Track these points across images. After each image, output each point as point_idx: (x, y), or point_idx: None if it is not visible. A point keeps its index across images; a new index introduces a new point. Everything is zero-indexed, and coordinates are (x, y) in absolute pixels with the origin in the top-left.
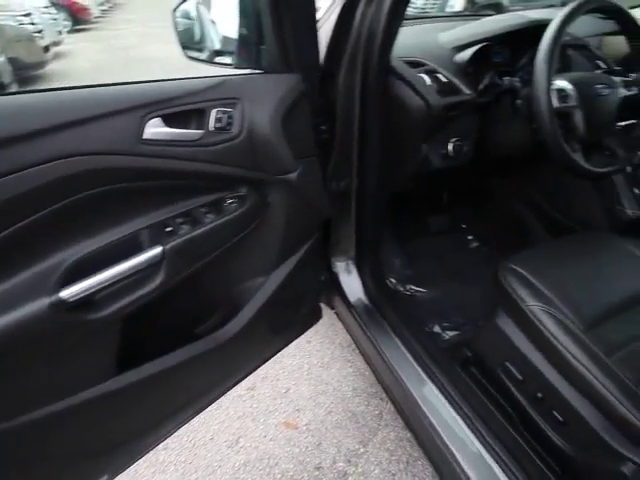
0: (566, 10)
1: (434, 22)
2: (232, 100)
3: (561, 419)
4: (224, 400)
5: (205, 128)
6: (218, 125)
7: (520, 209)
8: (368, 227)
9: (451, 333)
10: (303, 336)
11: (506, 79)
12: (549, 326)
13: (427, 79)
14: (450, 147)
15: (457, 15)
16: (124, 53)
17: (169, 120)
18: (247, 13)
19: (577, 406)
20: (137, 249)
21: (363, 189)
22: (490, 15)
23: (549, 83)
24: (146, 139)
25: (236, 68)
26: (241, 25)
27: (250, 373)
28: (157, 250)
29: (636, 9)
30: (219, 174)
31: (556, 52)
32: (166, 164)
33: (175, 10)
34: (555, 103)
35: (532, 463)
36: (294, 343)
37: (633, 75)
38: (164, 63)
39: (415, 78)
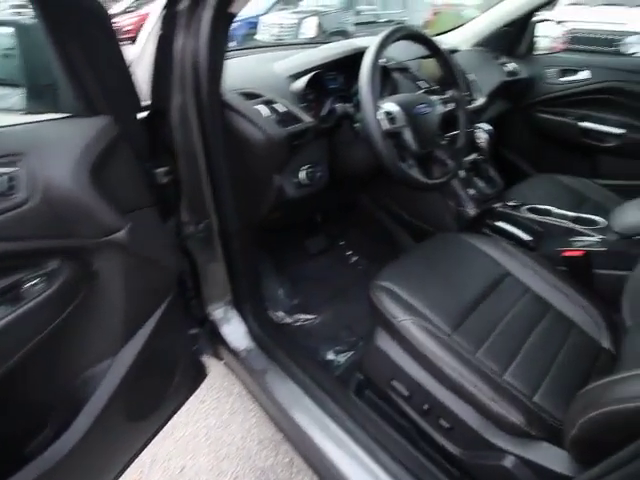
0: (378, 40)
1: (273, 51)
2: (11, 157)
3: (448, 426)
4: None
5: None
6: None
7: (384, 220)
8: (240, 266)
9: (346, 356)
10: (195, 397)
11: (339, 105)
12: (420, 338)
13: (264, 110)
14: (303, 175)
15: (296, 44)
16: None
17: None
18: (34, 49)
19: (457, 410)
20: None
21: (225, 228)
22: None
23: (375, 107)
24: None
25: (28, 113)
26: (27, 61)
27: (121, 474)
28: None
29: (442, 35)
30: (4, 253)
31: (376, 78)
32: None
33: None
34: (386, 125)
35: (432, 476)
36: (184, 410)
37: (449, 92)
38: None
39: (251, 110)
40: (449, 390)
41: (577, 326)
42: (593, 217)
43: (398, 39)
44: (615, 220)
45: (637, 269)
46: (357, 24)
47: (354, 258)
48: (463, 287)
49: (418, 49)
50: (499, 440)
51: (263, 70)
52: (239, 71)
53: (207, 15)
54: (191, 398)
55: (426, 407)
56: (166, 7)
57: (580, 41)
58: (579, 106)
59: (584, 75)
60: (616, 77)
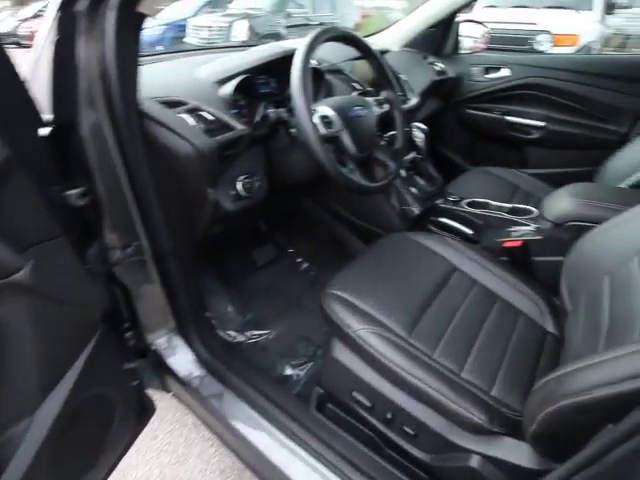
0: (306, 41)
1: (203, 54)
2: None
3: (412, 432)
4: None
5: None
6: None
7: (332, 224)
8: (180, 288)
9: (305, 368)
10: (145, 434)
11: (272, 111)
12: (377, 346)
13: (190, 119)
14: (239, 186)
15: (227, 47)
16: None
17: None
18: None
19: (420, 416)
20: None
21: (159, 249)
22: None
23: (310, 112)
24: None
25: None
26: None
27: None
28: None
29: (371, 37)
30: None
31: (308, 80)
32: None
33: None
34: (322, 130)
35: None
36: (133, 450)
37: (383, 94)
38: None
39: (175, 120)
40: (411, 396)
41: (523, 313)
42: (527, 207)
43: (327, 40)
44: (546, 209)
45: (570, 254)
46: (289, 27)
47: (304, 265)
48: (414, 287)
49: (351, 51)
50: (463, 441)
51: (187, 76)
52: (159, 77)
53: (111, 17)
54: (141, 436)
55: (389, 416)
56: (61, 8)
57: (498, 40)
58: (503, 101)
59: (505, 72)
60: (533, 73)
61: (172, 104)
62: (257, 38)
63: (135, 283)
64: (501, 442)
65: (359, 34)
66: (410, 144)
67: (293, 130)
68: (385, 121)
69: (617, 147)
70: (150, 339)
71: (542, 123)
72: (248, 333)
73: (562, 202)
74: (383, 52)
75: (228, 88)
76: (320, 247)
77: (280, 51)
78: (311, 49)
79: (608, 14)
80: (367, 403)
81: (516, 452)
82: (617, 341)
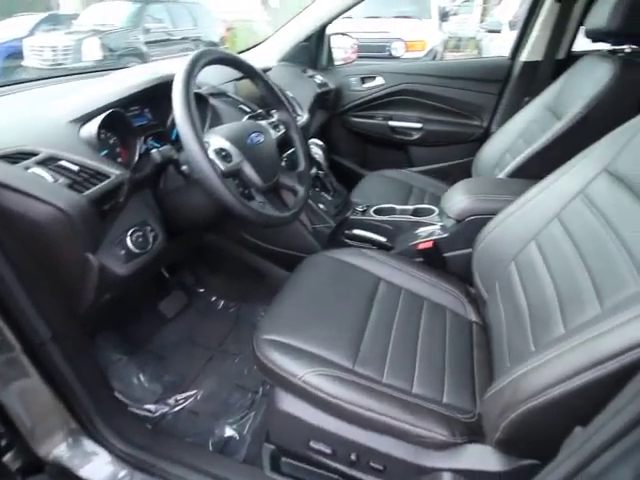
0: (184, 67)
1: (43, 86)
2: None
3: (380, 467)
4: None
5: None
6: None
7: (245, 254)
8: (71, 377)
9: (247, 422)
10: None
11: (156, 151)
12: (327, 388)
13: (46, 174)
14: (130, 243)
15: (84, 72)
16: None
17: None
18: None
19: (384, 448)
20: None
21: (31, 341)
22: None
23: (203, 148)
24: None
25: None
26: None
27: None
28: None
29: (246, 52)
30: None
31: (194, 112)
32: None
33: None
34: (221, 165)
35: None
36: None
37: (276, 115)
38: None
39: (24, 178)
40: (371, 431)
41: (448, 309)
42: (429, 206)
43: (207, 64)
44: (447, 208)
45: (476, 246)
46: (149, 43)
47: (221, 303)
48: (346, 309)
49: (230, 71)
50: (431, 461)
51: (34, 115)
52: None
53: None
54: None
55: (354, 457)
56: None
57: (363, 49)
58: (383, 107)
59: (380, 81)
60: (404, 80)
61: (17, 157)
62: (114, 57)
63: (6, 388)
64: (466, 452)
65: (238, 54)
66: (310, 161)
67: (184, 167)
68: (283, 143)
69: (483, 139)
70: (44, 451)
71: (419, 125)
72: (171, 400)
73: (459, 200)
74: (265, 70)
75: (92, 127)
76: (235, 280)
77: (153, 79)
78: (191, 75)
79: (443, 21)
80: (327, 450)
81: (483, 459)
82: (543, 328)
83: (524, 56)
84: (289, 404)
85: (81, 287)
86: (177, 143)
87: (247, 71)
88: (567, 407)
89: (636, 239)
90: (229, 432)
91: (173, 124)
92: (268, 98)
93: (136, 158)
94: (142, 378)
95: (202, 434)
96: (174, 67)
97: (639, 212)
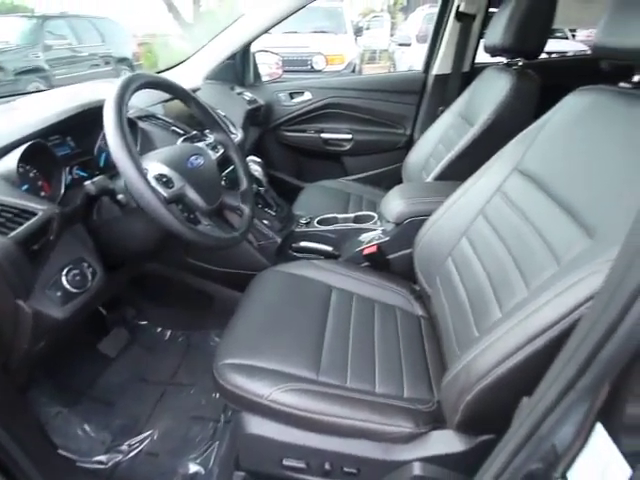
0: (114, 94)
1: None
2: None
3: (354, 470)
4: None
5: None
6: None
7: (190, 279)
8: (5, 441)
9: (211, 454)
10: None
11: (88, 184)
12: (295, 403)
13: None
14: (66, 282)
15: None
16: None
17: None
18: None
19: (355, 451)
20: None
21: None
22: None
23: (144, 176)
24: None
25: None
26: None
27: None
28: None
29: (169, 71)
30: None
31: (129, 140)
32: None
33: None
34: (163, 192)
35: None
36: None
37: (211, 136)
38: None
39: None
40: (341, 437)
41: (398, 308)
42: (368, 213)
43: (138, 89)
44: (385, 213)
45: (416, 246)
46: (51, 60)
47: (168, 333)
48: (303, 321)
49: (157, 92)
50: (402, 454)
51: None
52: None
53: None
54: None
55: (328, 466)
56: None
57: (287, 64)
58: (314, 121)
59: (308, 96)
60: (331, 94)
61: None
62: (13, 75)
63: None
64: (431, 439)
65: (164, 75)
66: (251, 179)
67: (121, 196)
68: (221, 163)
69: (409, 146)
70: None
71: (349, 135)
72: (124, 447)
73: (396, 205)
74: (194, 90)
75: (10, 162)
76: (181, 308)
77: (76, 106)
78: (122, 101)
79: (358, 36)
80: (301, 465)
81: (446, 442)
82: (483, 315)
83: (435, 70)
84: (258, 426)
85: (13, 338)
86: (108, 170)
87: (179, 94)
88: (513, 381)
89: (547, 227)
90: (194, 468)
91: (100, 151)
92: (203, 119)
93: (62, 190)
94: (87, 428)
95: (165, 475)
96: (96, 92)
97: (547, 203)
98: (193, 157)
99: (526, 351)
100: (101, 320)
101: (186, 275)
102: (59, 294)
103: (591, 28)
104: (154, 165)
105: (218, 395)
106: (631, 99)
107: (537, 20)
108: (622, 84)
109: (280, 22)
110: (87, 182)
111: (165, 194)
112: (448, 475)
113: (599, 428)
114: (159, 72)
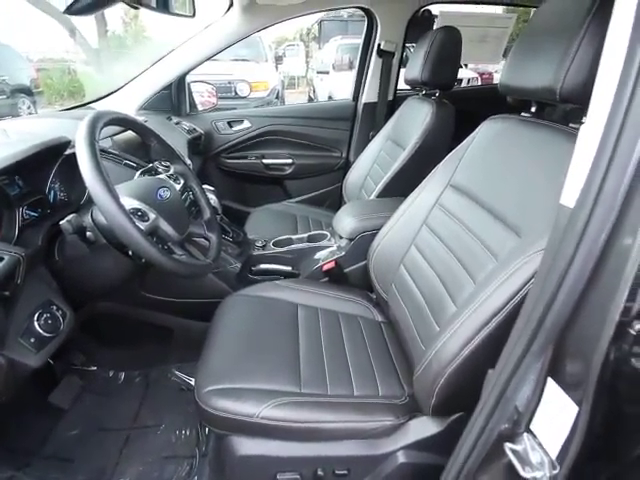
0: (84, 134)
1: None
2: None
3: (345, 471)
4: None
5: None
6: None
7: (147, 314)
8: None
9: None
10: None
11: (64, 223)
12: (284, 416)
13: None
14: (38, 327)
15: None
16: None
17: None
18: None
19: (344, 452)
20: None
21: None
22: None
23: (125, 212)
24: None
25: None
26: None
27: None
28: None
29: (99, 101)
30: None
31: (106, 177)
32: None
33: None
34: (141, 225)
35: None
36: None
37: (172, 168)
38: None
39: None
40: (330, 441)
41: (360, 316)
42: (321, 232)
43: (105, 126)
44: (339, 229)
45: (370, 258)
46: None
47: (122, 375)
48: (276, 340)
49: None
50: (386, 446)
51: None
52: None
53: None
54: None
55: (320, 472)
56: None
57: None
58: (255, 147)
59: (247, 124)
60: (269, 122)
61: None
62: None
63: None
64: (410, 428)
65: (130, 115)
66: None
67: (89, 234)
68: (183, 194)
69: (346, 168)
70: None
71: (290, 160)
72: None
73: (348, 222)
74: None
75: None
76: (134, 347)
77: (32, 146)
78: (94, 139)
79: (278, 64)
80: (295, 476)
81: (423, 428)
82: (440, 311)
83: (364, 99)
84: (249, 446)
85: None
86: (59, 209)
87: (140, 130)
88: (477, 360)
89: (483, 231)
90: None
91: (50, 189)
92: (162, 152)
93: (16, 232)
94: None
95: None
96: (52, 128)
97: (479, 212)
98: (161, 189)
99: (483, 333)
100: (49, 370)
101: (142, 311)
102: (32, 340)
103: (484, 63)
104: (126, 200)
105: (188, 431)
106: (531, 125)
107: (448, 58)
108: (524, 114)
109: (217, 54)
110: (63, 221)
111: (142, 227)
112: (429, 457)
113: (550, 382)
114: (87, 103)
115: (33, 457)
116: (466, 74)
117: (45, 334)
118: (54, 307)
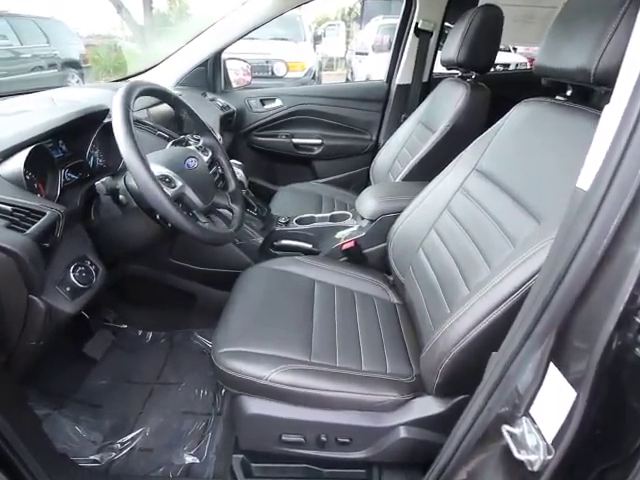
0: (119, 100)
1: None
2: None
3: (347, 440)
4: None
5: None
6: None
7: (173, 280)
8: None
9: (206, 445)
10: None
11: (99, 184)
12: (292, 381)
13: None
14: (73, 278)
15: None
16: None
17: None
18: None
19: (348, 421)
20: None
21: None
22: None
23: (153, 177)
24: None
25: None
26: None
27: None
28: None
29: (139, 75)
30: None
31: (137, 144)
32: None
33: None
34: (168, 192)
35: None
36: None
37: (201, 140)
38: None
39: None
40: (335, 409)
41: (375, 296)
42: (343, 212)
43: (139, 95)
44: (361, 210)
45: (389, 240)
46: None
47: (149, 335)
48: (292, 311)
49: (141, 98)
50: (389, 420)
51: None
52: None
53: None
54: None
55: (323, 437)
56: None
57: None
58: (285, 126)
59: (278, 103)
60: (301, 102)
61: None
62: None
63: None
64: (413, 405)
65: (164, 87)
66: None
67: (121, 197)
68: (209, 167)
69: (375, 151)
70: None
71: (319, 140)
72: (117, 444)
73: (370, 203)
74: None
75: (16, 164)
76: (161, 309)
77: (76, 112)
78: (129, 108)
79: (316, 44)
80: (299, 439)
81: (426, 407)
82: (453, 293)
83: (397, 80)
84: (258, 406)
85: (21, 334)
86: (97, 173)
87: (173, 102)
88: (483, 342)
89: (503, 216)
90: (189, 459)
91: (90, 155)
92: (193, 125)
93: (58, 192)
94: (78, 429)
95: (161, 468)
96: (92, 98)
97: (502, 197)
98: (189, 159)
99: (491, 317)
100: (85, 323)
101: (169, 276)
102: (68, 289)
103: (528, 45)
104: (155, 167)
105: (206, 392)
106: (563, 109)
107: (487, 39)
108: (558, 97)
109: (252, 31)
110: (99, 182)
111: (169, 193)
112: (430, 435)
113: (551, 367)
114: (129, 77)
115: (66, 400)
116: (514, 59)
117: (80, 285)
118: (88, 262)
